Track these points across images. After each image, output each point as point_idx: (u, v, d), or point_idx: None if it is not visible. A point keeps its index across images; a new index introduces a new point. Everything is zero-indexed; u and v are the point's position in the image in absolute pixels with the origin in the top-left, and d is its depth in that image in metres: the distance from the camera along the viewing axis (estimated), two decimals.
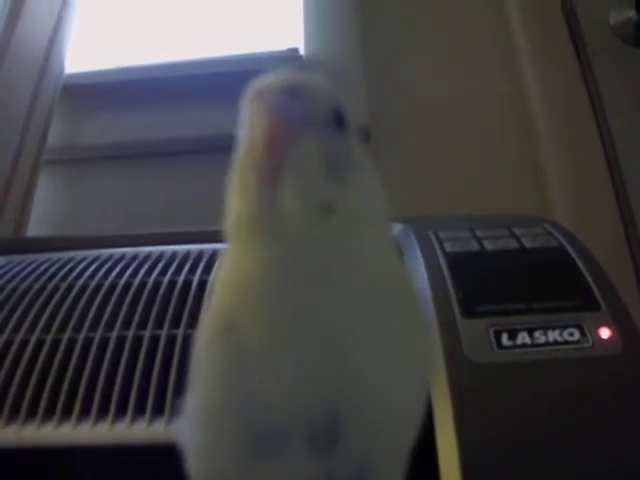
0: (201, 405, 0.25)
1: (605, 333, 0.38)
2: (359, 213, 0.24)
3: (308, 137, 0.23)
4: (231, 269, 0.24)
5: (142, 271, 0.51)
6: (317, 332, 0.22)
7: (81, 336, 0.44)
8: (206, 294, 0.46)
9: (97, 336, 0.44)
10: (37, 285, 0.50)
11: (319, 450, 0.23)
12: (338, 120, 0.24)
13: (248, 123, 0.23)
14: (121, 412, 0.41)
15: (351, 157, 0.24)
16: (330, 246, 0.23)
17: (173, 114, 1.04)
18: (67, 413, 0.41)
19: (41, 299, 0.48)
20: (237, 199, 0.24)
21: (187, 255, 0.54)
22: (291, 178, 0.22)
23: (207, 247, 0.54)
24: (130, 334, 0.44)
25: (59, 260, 0.55)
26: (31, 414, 0.41)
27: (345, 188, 0.23)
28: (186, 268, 0.51)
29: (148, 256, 0.54)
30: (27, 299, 0.48)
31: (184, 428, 0.26)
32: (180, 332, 0.44)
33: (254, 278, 0.23)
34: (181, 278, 0.49)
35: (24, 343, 0.44)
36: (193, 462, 0.25)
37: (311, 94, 0.24)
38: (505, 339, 0.38)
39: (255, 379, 0.22)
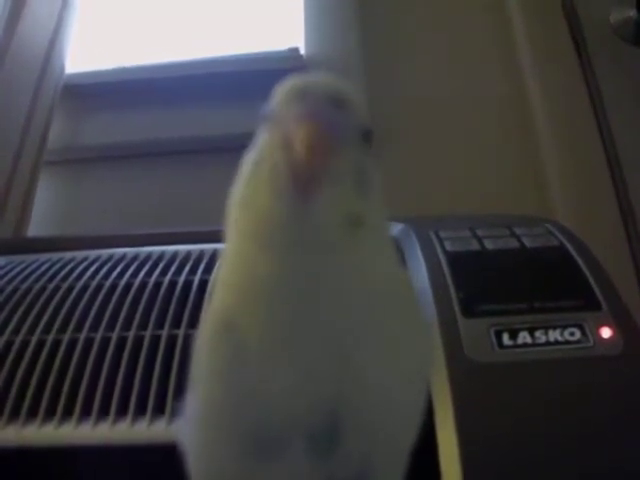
0: (201, 405, 0.25)
1: (606, 333, 0.38)
2: (379, 228, 0.24)
3: (347, 149, 0.22)
4: (234, 268, 0.24)
5: (143, 271, 0.51)
6: (317, 332, 0.22)
7: (82, 336, 0.44)
8: (207, 294, 0.46)
9: (98, 336, 0.44)
10: (38, 285, 0.50)
11: (319, 451, 0.23)
12: (365, 135, 0.24)
13: (283, 123, 0.22)
14: (122, 412, 0.41)
15: (374, 171, 0.24)
16: (345, 256, 0.22)
17: (173, 114, 1.04)
18: (68, 413, 0.41)
19: (42, 299, 0.48)
20: (262, 200, 0.22)
21: (188, 255, 0.54)
22: (327, 189, 0.21)
23: (208, 247, 0.54)
24: (131, 334, 0.44)
25: (60, 260, 0.55)
26: (32, 414, 0.41)
27: (369, 203, 0.23)
28: (187, 268, 0.51)
29: (149, 256, 0.54)
30: (28, 300, 0.48)
31: (184, 428, 0.26)
32: (181, 332, 0.44)
33: (257, 279, 0.23)
34: (182, 278, 0.49)
35: (25, 343, 0.44)
36: (193, 462, 0.25)
37: (353, 106, 0.23)
38: (506, 339, 0.38)
39: (255, 379, 0.22)
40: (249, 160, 0.24)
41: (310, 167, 0.20)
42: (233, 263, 0.24)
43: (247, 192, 0.23)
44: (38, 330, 0.45)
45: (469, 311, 0.40)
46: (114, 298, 0.47)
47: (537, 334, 0.38)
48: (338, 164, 0.21)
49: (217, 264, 0.50)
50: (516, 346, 0.38)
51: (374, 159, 0.24)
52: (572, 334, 0.38)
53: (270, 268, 0.22)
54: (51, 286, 0.49)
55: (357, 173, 0.22)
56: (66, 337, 0.44)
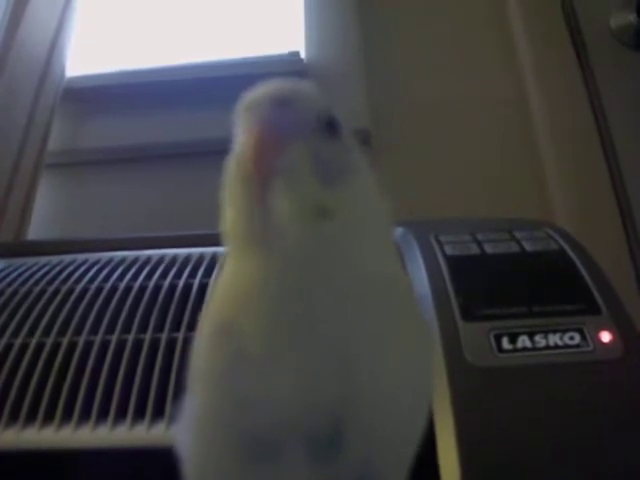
0: (199, 409, 0.25)
1: (606, 337, 0.38)
2: (356, 217, 0.24)
3: (298, 144, 0.23)
4: (231, 274, 0.25)
5: (143, 274, 0.51)
6: (317, 337, 0.22)
7: (81, 339, 0.44)
8: (207, 298, 0.46)
9: (97, 339, 0.44)
10: (37, 288, 0.50)
11: (320, 456, 0.22)
12: (330, 126, 0.25)
13: (240, 134, 0.24)
14: (121, 415, 0.41)
15: (346, 162, 0.25)
16: (328, 250, 0.23)
17: (174, 117, 1.04)
18: (67, 416, 0.41)
19: (41, 302, 0.48)
20: (230, 208, 0.24)
21: (188, 258, 0.54)
22: (282, 184, 0.22)
23: (208, 250, 0.54)
24: (130, 337, 0.44)
25: (60, 263, 0.55)
26: (31, 417, 0.41)
27: (341, 192, 0.24)
28: (187, 272, 0.51)
29: (148, 259, 0.54)
30: (27, 302, 0.48)
31: (182, 432, 0.26)
32: (180, 335, 0.44)
33: (254, 283, 0.23)
34: (182, 282, 0.49)
35: (24, 346, 0.44)
36: (191, 466, 0.25)
37: (300, 102, 0.24)
38: (506, 343, 0.38)
39: (254, 384, 0.22)
40: (225, 179, 0.25)
41: (258, 166, 0.22)
42: (231, 268, 0.24)
43: (225, 201, 0.25)
44: (38, 333, 0.45)
45: (469, 315, 0.40)
46: (114, 301, 0.47)
47: (537, 338, 0.38)
48: (292, 158, 0.23)
49: (217, 267, 0.50)
50: (516, 350, 0.38)
51: (351, 146, 0.26)
52: (572, 338, 0.38)
53: (255, 271, 0.23)
54: (51, 289, 0.49)
55: (319, 164, 0.23)
56: (65, 340, 0.44)
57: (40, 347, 0.44)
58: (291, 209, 0.22)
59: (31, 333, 0.45)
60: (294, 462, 0.22)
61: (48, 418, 0.41)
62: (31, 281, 0.51)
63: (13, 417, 0.41)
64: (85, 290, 0.49)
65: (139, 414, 0.40)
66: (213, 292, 0.26)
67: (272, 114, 0.23)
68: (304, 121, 0.24)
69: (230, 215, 0.24)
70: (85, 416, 0.41)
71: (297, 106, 0.24)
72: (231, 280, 0.25)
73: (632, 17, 0.94)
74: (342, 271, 0.23)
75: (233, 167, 0.24)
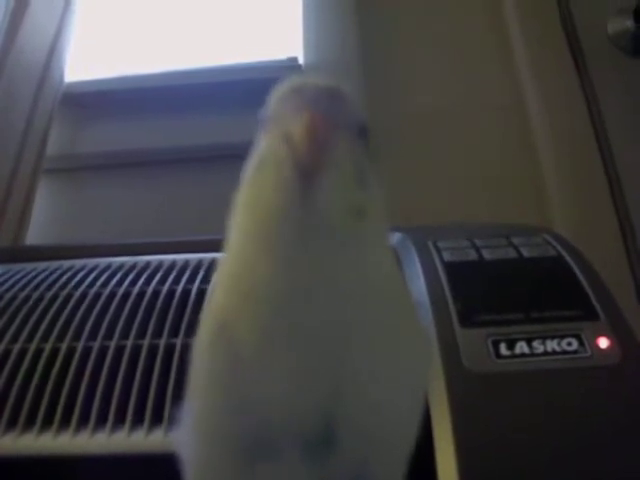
0: (198, 412, 0.25)
1: (604, 343, 0.38)
2: (378, 221, 0.24)
3: (345, 141, 0.22)
4: (233, 271, 0.24)
5: (141, 280, 0.51)
6: (314, 339, 0.22)
7: (80, 345, 0.44)
8: (205, 303, 0.46)
9: (96, 345, 0.44)
10: (36, 294, 0.50)
11: (316, 457, 0.22)
12: (361, 131, 0.24)
13: (282, 119, 0.23)
14: (119, 421, 0.40)
15: (369, 167, 0.24)
16: (339, 252, 0.22)
17: (172, 123, 1.04)
18: (65, 422, 0.41)
19: (40, 308, 0.48)
20: (267, 196, 0.22)
21: (186, 264, 0.54)
22: (330, 177, 0.21)
23: (206, 256, 0.55)
24: (129, 343, 0.44)
25: (58, 269, 0.55)
26: (29, 423, 0.41)
27: (369, 195, 0.23)
28: (185, 277, 0.51)
29: (147, 265, 0.54)
30: (26, 308, 0.48)
31: (182, 435, 0.26)
32: (179, 341, 0.44)
33: (256, 281, 0.23)
34: (180, 287, 0.49)
35: (23, 352, 0.44)
36: (191, 471, 0.25)
37: (347, 100, 0.24)
38: (503, 349, 0.38)
39: (252, 385, 0.22)
40: (251, 164, 0.24)
41: (311, 154, 0.21)
42: (233, 266, 0.24)
43: (251, 193, 0.23)
44: (36, 338, 0.45)
45: (467, 321, 0.40)
46: (112, 307, 0.47)
47: (535, 344, 0.38)
48: (338, 153, 0.22)
49: (216, 271, 0.50)
50: (514, 356, 0.38)
51: (372, 158, 0.25)
52: (570, 344, 0.38)
53: (270, 269, 0.22)
54: (49, 294, 0.49)
55: (356, 165, 0.23)
56: (64, 346, 0.44)
57: (39, 352, 0.44)
58: (336, 202, 0.21)
59: (30, 338, 0.45)
60: (292, 463, 0.22)
61: (46, 424, 0.41)
62: (30, 286, 0.51)
63: (11, 423, 0.41)
64: (84, 295, 0.49)
65: (137, 420, 0.40)
66: (213, 291, 0.26)
67: (326, 102, 0.23)
68: (351, 119, 0.24)
69: (252, 210, 0.23)
70: (83, 422, 0.41)
71: (346, 102, 0.24)
72: (231, 278, 0.24)
73: (629, 23, 0.94)
74: (347, 274, 0.22)
75: (271, 147, 0.23)
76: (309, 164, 0.21)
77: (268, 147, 0.23)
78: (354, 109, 0.24)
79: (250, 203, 0.23)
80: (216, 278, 0.26)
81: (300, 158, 0.21)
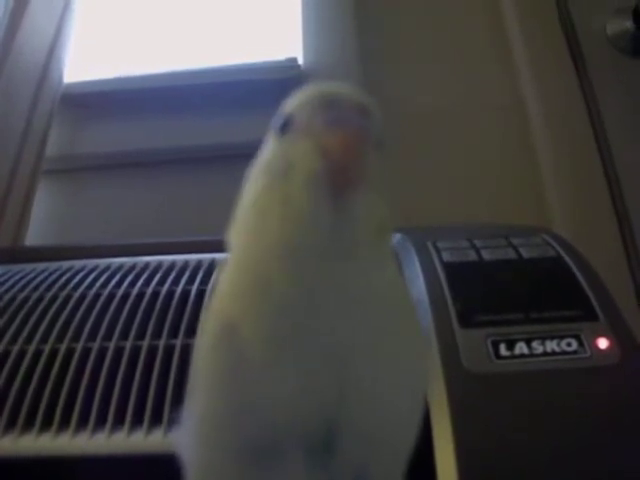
0: (200, 413, 0.25)
1: (603, 343, 0.38)
2: (390, 233, 0.25)
3: (372, 155, 0.23)
4: (240, 274, 0.24)
5: (140, 281, 0.51)
6: (318, 342, 0.22)
7: (79, 346, 0.44)
8: (205, 304, 0.46)
9: (95, 346, 0.44)
10: (35, 295, 0.50)
11: (318, 460, 0.22)
12: (379, 144, 0.24)
13: (312, 129, 0.23)
14: (119, 422, 0.40)
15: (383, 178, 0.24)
16: (359, 261, 0.23)
17: (172, 123, 1.04)
18: (65, 423, 0.41)
19: (39, 309, 0.48)
20: (289, 202, 0.22)
21: (186, 265, 0.54)
22: (363, 193, 0.22)
23: (206, 257, 0.55)
24: (128, 344, 0.44)
25: (57, 269, 0.55)
26: (29, 424, 0.41)
27: (389, 211, 0.24)
28: (185, 278, 0.51)
29: (146, 266, 0.54)
30: (25, 309, 0.48)
31: (183, 435, 0.26)
32: (178, 342, 0.44)
33: (261, 283, 0.23)
34: (179, 288, 0.49)
35: (22, 353, 0.44)
36: (192, 472, 0.25)
37: (375, 115, 0.24)
38: (503, 349, 0.38)
39: (255, 387, 0.22)
40: (266, 167, 0.24)
41: (348, 170, 0.21)
42: (240, 269, 0.24)
43: (273, 197, 0.23)
44: (35, 339, 0.45)
45: (466, 321, 0.40)
46: (111, 307, 0.47)
47: (534, 345, 0.38)
48: (369, 169, 0.22)
49: (217, 272, 0.50)
50: (513, 357, 0.38)
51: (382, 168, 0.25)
52: (569, 345, 0.38)
53: (283, 274, 0.22)
54: (49, 295, 0.49)
55: (379, 180, 0.23)
56: (63, 346, 0.44)
57: (38, 353, 0.44)
58: (369, 222, 0.22)
59: (29, 339, 0.45)
60: (294, 464, 0.22)
61: (46, 424, 0.41)
62: (29, 287, 0.51)
63: (11, 423, 0.41)
64: (83, 296, 0.49)
65: (137, 421, 0.40)
66: (217, 291, 0.26)
67: (361, 119, 0.23)
68: (377, 133, 0.24)
69: (273, 218, 0.23)
70: (83, 423, 0.41)
71: (374, 118, 0.24)
72: (240, 282, 0.24)
73: (628, 23, 0.94)
74: (356, 280, 0.23)
75: (304, 157, 0.22)
76: (344, 179, 0.21)
77: (300, 156, 0.23)
78: (379, 124, 0.24)
79: (271, 208, 0.23)
80: (220, 279, 0.26)
81: (336, 172, 0.21)
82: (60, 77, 1.01)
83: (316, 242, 0.22)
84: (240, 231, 0.24)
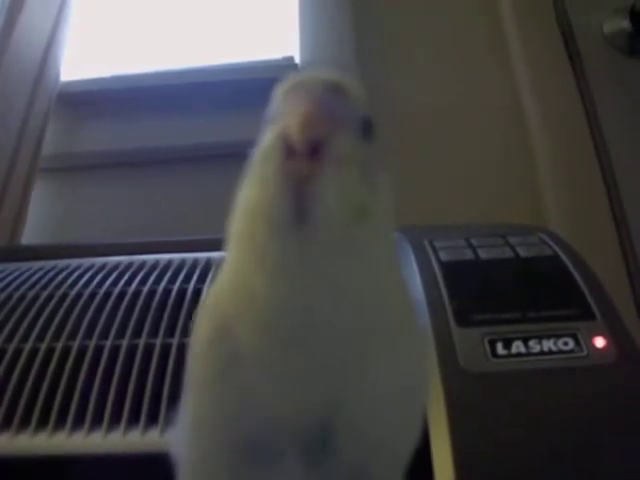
0: (195, 412, 0.25)
1: (600, 342, 0.38)
2: (384, 223, 0.23)
3: (346, 136, 0.21)
4: (232, 275, 0.24)
5: (137, 279, 0.50)
6: (314, 341, 0.22)
7: (75, 344, 0.44)
8: (201, 302, 0.46)
9: (91, 344, 0.44)
10: (31, 293, 0.50)
11: (314, 460, 0.22)
12: (369, 127, 0.23)
13: (280, 116, 0.22)
14: (115, 421, 0.40)
15: (376, 165, 0.23)
16: (346, 253, 0.21)
17: (168, 122, 1.04)
18: (61, 422, 0.41)
19: (35, 307, 0.48)
20: (255, 195, 0.21)
21: (182, 264, 0.54)
22: (328, 175, 0.20)
23: (202, 256, 0.54)
24: (124, 343, 0.44)
25: (53, 268, 0.55)
26: (25, 423, 0.41)
27: (375, 195, 0.22)
28: (181, 277, 0.51)
29: (143, 264, 0.54)
30: (21, 307, 0.48)
31: (177, 436, 0.26)
32: (175, 341, 0.44)
33: (256, 283, 0.22)
34: (176, 287, 0.49)
35: (18, 352, 0.44)
36: (186, 472, 0.25)
37: (351, 94, 0.23)
38: (500, 348, 0.38)
39: (250, 387, 0.22)
40: (251, 165, 0.23)
41: (307, 151, 0.20)
42: (231, 270, 0.24)
43: (245, 194, 0.22)
44: (31, 338, 0.45)
45: (463, 320, 0.40)
46: (108, 306, 0.47)
47: (531, 344, 0.38)
48: (337, 150, 0.20)
49: (212, 272, 0.50)
50: (510, 355, 0.38)
51: (379, 156, 0.24)
52: (566, 344, 0.38)
53: (269, 271, 0.22)
54: (45, 294, 0.49)
55: (358, 163, 0.21)
56: (59, 345, 0.44)
57: (34, 352, 0.44)
58: (338, 205, 0.20)
59: (25, 338, 0.45)
60: (290, 465, 0.22)
61: (42, 423, 0.41)
62: (25, 286, 0.51)
63: (6, 422, 0.41)
64: (79, 295, 0.49)
65: (133, 420, 0.40)
66: (211, 292, 0.25)
67: (327, 98, 0.21)
68: (353, 114, 0.22)
69: (258, 198, 0.21)
70: (79, 421, 0.41)
71: (349, 97, 0.22)
72: (232, 277, 0.24)
73: (625, 23, 0.95)
74: (347, 275, 0.22)
75: (270, 146, 0.21)
76: (305, 162, 0.20)
77: (267, 147, 0.22)
78: (359, 104, 0.23)
79: (243, 205, 0.23)
80: (215, 278, 0.25)
81: (295, 156, 0.20)
82: (57, 75, 1.01)
83: (283, 233, 0.21)
84: (231, 231, 0.24)
